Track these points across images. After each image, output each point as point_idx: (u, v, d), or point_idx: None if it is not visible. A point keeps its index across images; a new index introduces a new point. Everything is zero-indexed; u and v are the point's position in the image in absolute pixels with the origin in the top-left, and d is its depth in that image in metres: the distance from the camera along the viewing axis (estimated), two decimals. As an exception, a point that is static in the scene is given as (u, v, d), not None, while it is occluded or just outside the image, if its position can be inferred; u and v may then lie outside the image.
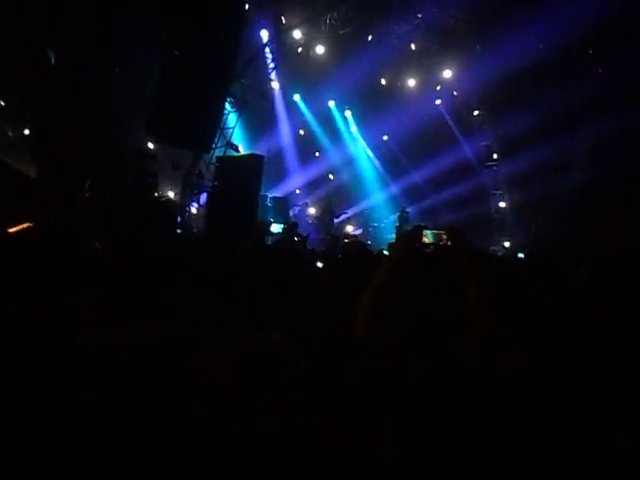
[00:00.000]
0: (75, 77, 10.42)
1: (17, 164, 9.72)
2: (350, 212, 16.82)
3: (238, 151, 13.31)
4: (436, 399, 1.57)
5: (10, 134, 10.15)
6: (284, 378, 1.37)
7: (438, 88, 15.65)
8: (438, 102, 16.07)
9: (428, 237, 1.91)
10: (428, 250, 1.90)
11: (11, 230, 4.94)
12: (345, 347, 1.84)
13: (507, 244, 14.80)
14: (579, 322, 1.67)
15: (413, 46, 14.22)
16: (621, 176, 11.72)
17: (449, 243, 1.87)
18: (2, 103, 10.60)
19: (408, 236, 1.91)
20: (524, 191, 14.52)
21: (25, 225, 5.77)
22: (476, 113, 15.75)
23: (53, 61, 10.64)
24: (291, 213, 15.47)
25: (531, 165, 13.68)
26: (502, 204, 15.92)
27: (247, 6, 11.10)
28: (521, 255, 7.27)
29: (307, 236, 7.30)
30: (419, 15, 12.96)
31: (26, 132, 10.65)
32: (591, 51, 12.97)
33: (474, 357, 1.54)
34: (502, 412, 1.49)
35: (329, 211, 15.15)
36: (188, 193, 12.31)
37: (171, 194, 12.81)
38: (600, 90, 12.72)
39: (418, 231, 1.91)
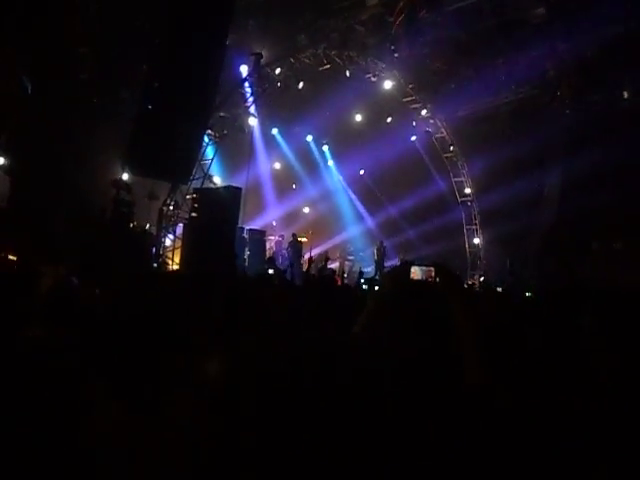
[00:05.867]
0: (51, 106, 10.33)
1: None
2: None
3: (215, 183, 13.30)
4: (427, 443, 1.53)
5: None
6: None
7: (414, 124, 16.01)
8: (413, 138, 16.42)
9: (416, 273, 1.89)
10: (416, 287, 1.88)
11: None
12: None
13: (481, 279, 14.97)
14: (582, 366, 1.66)
15: (389, 84, 14.58)
16: (590, 212, 12.06)
17: (437, 280, 1.85)
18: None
19: (396, 272, 1.89)
20: (497, 226, 14.80)
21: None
22: (450, 149, 16.12)
23: (29, 90, 10.57)
24: (267, 245, 15.42)
25: (504, 201, 13.98)
26: (476, 239, 16.16)
27: (227, 41, 11.25)
28: (499, 289, 7.34)
29: (286, 269, 7.27)
30: (395, 55, 13.33)
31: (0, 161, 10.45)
32: (560, 93, 13.50)
33: (467, 400, 1.51)
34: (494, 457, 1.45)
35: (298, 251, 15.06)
36: (164, 224, 12.17)
37: (147, 225, 12.64)
38: (568, 130, 13.21)
39: (406, 267, 1.89)
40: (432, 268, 1.85)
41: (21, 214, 9.02)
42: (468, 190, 16.29)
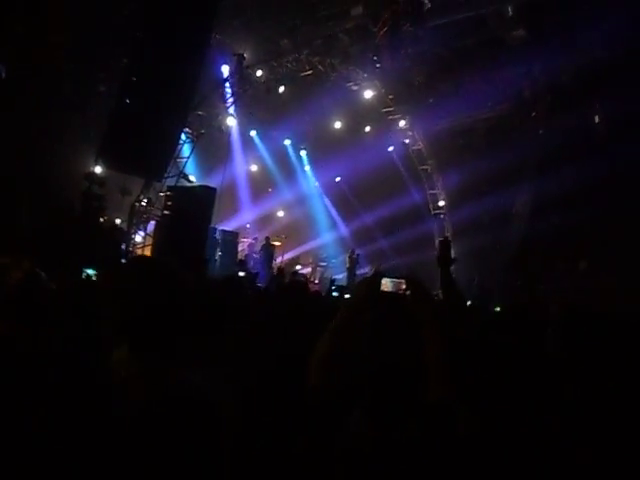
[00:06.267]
0: (24, 94, 10.10)
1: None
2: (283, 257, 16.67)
3: (190, 182, 13.16)
4: (389, 457, 1.54)
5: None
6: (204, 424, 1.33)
7: (391, 135, 16.16)
8: (391, 149, 16.56)
9: (387, 285, 1.89)
10: (386, 299, 1.88)
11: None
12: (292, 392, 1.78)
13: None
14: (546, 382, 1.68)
15: (370, 93, 14.69)
16: (558, 230, 12.35)
17: (408, 293, 1.86)
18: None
19: (367, 283, 1.89)
20: (468, 241, 15.00)
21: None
22: (426, 162, 16.32)
23: (3, 76, 10.30)
24: (240, 247, 15.32)
25: (475, 216, 14.21)
26: (447, 252, 16.34)
27: (210, 40, 11.19)
28: (468, 302, 7.43)
29: (257, 273, 7.22)
30: (377, 65, 13.45)
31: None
32: (534, 113, 13.81)
33: (429, 414, 1.52)
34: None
35: (270, 254, 15.03)
36: (135, 220, 11.98)
37: (118, 220, 12.43)
38: (540, 149, 13.53)
39: (377, 278, 1.89)
40: (403, 281, 1.86)
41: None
42: (442, 203, 16.50)
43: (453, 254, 3.28)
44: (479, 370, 2.17)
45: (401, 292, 1.87)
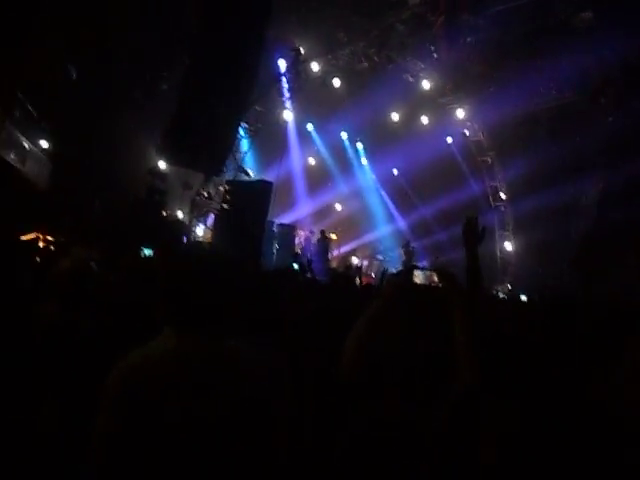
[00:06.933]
0: (94, 94, 10.65)
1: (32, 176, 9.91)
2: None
3: (249, 176, 13.48)
4: (415, 449, 1.57)
5: (26, 146, 10.29)
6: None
7: (450, 126, 15.83)
8: (449, 140, 16.23)
9: (419, 278, 1.93)
10: (419, 291, 1.91)
11: (23, 238, 5.01)
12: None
13: (509, 286, 14.72)
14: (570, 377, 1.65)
15: (427, 84, 14.45)
16: (628, 225, 11.72)
17: (440, 285, 1.88)
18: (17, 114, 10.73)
19: (400, 277, 1.93)
20: (531, 234, 14.51)
21: (33, 235, 5.86)
22: (486, 153, 15.88)
23: (74, 76, 10.90)
24: (297, 241, 15.52)
25: (539, 208, 13.70)
26: (508, 245, 15.89)
27: (266, 35, 11.36)
28: (523, 297, 7.24)
29: (310, 261, 7.28)
30: (435, 55, 13.21)
31: (44, 145, 10.78)
32: (603, 100, 13.13)
33: (457, 406, 1.54)
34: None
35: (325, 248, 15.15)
36: (196, 214, 12.41)
37: (179, 214, 12.93)
38: (609, 139, 12.84)
39: (410, 271, 1.93)
40: (434, 273, 1.89)
41: (60, 197, 9.36)
42: (503, 195, 16.02)
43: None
44: (518, 364, 2.15)
45: (433, 284, 1.90)
